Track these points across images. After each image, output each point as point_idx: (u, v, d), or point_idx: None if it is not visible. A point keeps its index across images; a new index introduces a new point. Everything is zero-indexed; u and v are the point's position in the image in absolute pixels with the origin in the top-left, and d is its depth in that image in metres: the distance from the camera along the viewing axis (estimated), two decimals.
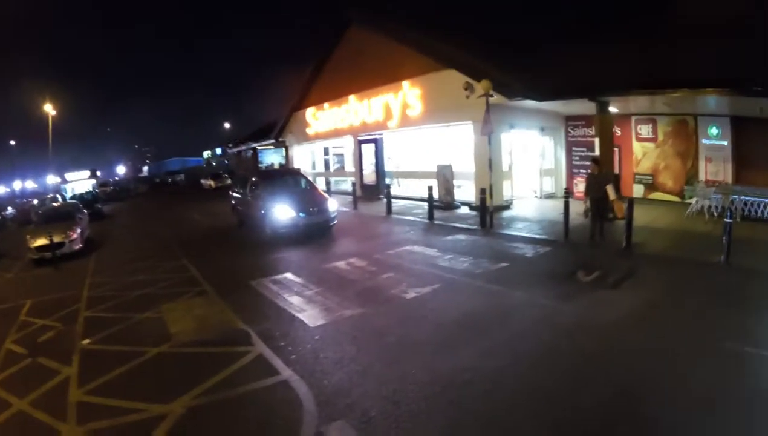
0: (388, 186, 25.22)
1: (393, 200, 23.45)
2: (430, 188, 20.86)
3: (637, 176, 21.59)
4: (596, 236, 14.04)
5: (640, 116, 21.07)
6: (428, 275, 12.03)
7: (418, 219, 20.67)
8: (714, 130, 18.46)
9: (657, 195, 20.76)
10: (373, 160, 29.71)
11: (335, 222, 19.01)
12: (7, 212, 45.39)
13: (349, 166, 33.53)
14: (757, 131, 17.16)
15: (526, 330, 8.38)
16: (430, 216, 20.24)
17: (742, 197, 15.57)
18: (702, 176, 18.90)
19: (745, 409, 5.62)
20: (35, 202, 44.14)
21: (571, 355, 7.39)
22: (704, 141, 18.89)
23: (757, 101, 14.25)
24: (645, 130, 21.04)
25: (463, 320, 8.98)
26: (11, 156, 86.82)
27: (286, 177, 22.11)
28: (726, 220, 11.14)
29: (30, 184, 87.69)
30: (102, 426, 6.26)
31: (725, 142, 18.14)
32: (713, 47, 15.03)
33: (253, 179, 20.99)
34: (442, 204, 22.60)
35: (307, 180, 21.58)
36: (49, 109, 50.33)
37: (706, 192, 16.69)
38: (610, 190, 13.45)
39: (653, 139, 20.81)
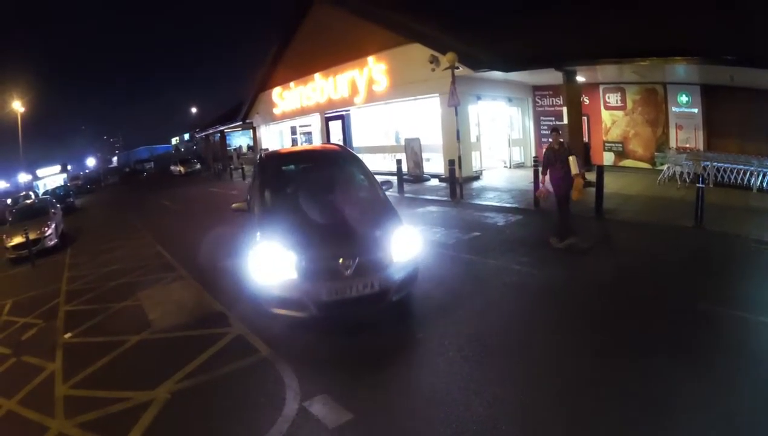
0: None
1: None
2: (398, 162, 21.07)
3: (607, 144, 21.77)
4: (565, 232, 11.28)
5: (608, 85, 21.19)
6: None
7: (389, 192, 20.34)
8: (684, 98, 18.66)
9: (628, 162, 20.98)
10: (341, 137, 29.79)
11: (405, 291, 8.16)
12: None
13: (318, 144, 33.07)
14: (728, 99, 17.35)
15: (500, 297, 8.66)
16: (400, 189, 20.33)
17: (714, 164, 15.78)
18: (673, 143, 19.09)
19: (713, 365, 5.87)
20: (8, 201, 43.56)
21: (543, 317, 7.77)
22: (674, 109, 19.09)
23: (727, 70, 14.38)
24: (614, 98, 21.20)
25: (436, 290, 9.19)
26: None
27: (317, 160, 10.93)
28: (698, 185, 11.39)
29: (1, 184, 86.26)
30: (90, 418, 6.33)
31: (696, 110, 18.34)
32: (685, 18, 15.19)
33: (259, 162, 10.27)
34: (411, 177, 22.79)
35: (362, 169, 10.08)
36: (18, 106, 49.57)
37: (677, 158, 16.89)
38: (572, 162, 10.87)
39: (622, 108, 21.00)
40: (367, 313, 7.79)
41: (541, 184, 12.07)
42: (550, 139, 11.75)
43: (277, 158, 10.83)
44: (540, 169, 12.35)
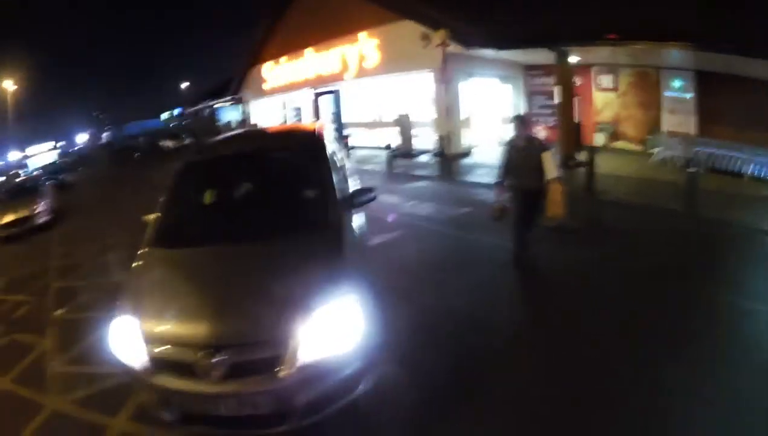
0: (347, 136, 25.31)
1: (352, 150, 23.68)
2: (389, 137, 21.27)
3: (598, 125, 21.71)
4: (522, 254, 8.72)
5: (601, 66, 21.13)
6: (390, 222, 12.28)
7: (378, 168, 20.86)
8: (677, 83, 18.58)
9: (620, 144, 20.91)
10: (331, 112, 29.71)
11: (329, 408, 4.65)
12: None
13: (307, 120, 33.07)
14: (722, 87, 17.17)
15: (489, 274, 8.68)
16: (391, 164, 20.31)
17: (706, 149, 15.74)
18: (665, 127, 19.06)
19: (694, 344, 5.95)
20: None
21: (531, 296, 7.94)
22: (667, 93, 19.01)
23: (722, 57, 14.23)
24: (606, 80, 21.14)
25: (426, 266, 9.25)
26: None
27: (265, 156, 7.31)
28: (689, 170, 11.35)
29: None
30: (83, 394, 6.39)
31: (689, 96, 18.23)
32: (683, 2, 15.01)
33: (175, 173, 6.97)
34: (402, 153, 22.70)
35: (323, 179, 6.21)
36: (8, 85, 49.22)
37: (669, 143, 16.92)
38: (548, 161, 7.77)
39: (615, 90, 20.93)
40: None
41: (495, 196, 8.78)
42: (513, 133, 8.39)
43: (199, 170, 7.19)
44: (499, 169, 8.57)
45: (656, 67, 19.11)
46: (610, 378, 5.46)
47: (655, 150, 17.50)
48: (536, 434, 4.83)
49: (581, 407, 5.04)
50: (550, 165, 7.75)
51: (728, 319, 6.55)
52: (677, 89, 18.58)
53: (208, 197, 7.19)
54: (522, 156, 8.03)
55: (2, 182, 36.77)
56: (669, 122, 19.02)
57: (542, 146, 8.01)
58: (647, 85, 19.70)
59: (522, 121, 8.29)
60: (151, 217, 6.46)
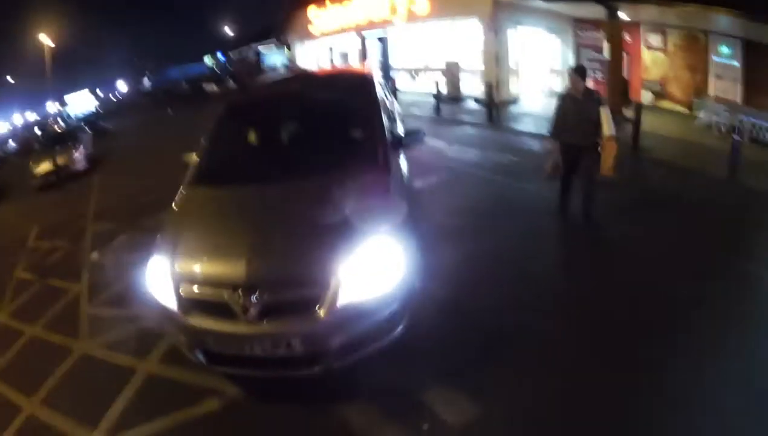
0: (394, 81, 24.71)
1: (401, 94, 22.92)
2: (437, 83, 20.64)
3: (646, 83, 20.92)
4: (568, 206, 8.27)
5: (650, 25, 20.27)
6: (436, 166, 11.87)
7: (426, 112, 20.41)
8: (725, 50, 17.67)
9: (666, 104, 20.10)
10: (379, 57, 29.03)
11: (363, 351, 4.41)
12: (8, 146, 44.91)
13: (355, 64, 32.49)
14: None
15: (529, 222, 8.33)
16: (438, 109, 19.97)
17: (751, 119, 14.97)
18: (711, 92, 18.18)
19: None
20: (36, 129, 43.69)
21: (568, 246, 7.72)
22: (714, 58, 18.08)
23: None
24: (655, 39, 20.30)
25: (470, 211, 8.99)
26: (9, 92, 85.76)
27: (308, 105, 6.51)
28: (734, 137, 10.74)
29: (30, 116, 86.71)
30: (113, 338, 6.34)
31: (736, 63, 17.28)
32: None
33: (222, 110, 6.85)
34: (449, 98, 22.26)
35: (374, 120, 5.86)
36: (45, 38, 49.53)
37: (715, 108, 16.27)
38: (605, 118, 7.27)
39: (663, 50, 20.09)
40: (286, 378, 4.72)
41: (550, 150, 8.13)
42: (567, 84, 7.93)
43: (244, 111, 7.05)
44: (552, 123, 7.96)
45: (705, 31, 18.19)
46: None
47: (701, 114, 16.84)
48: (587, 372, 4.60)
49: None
50: (608, 121, 7.25)
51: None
52: (725, 55, 17.65)
53: (252, 137, 6.88)
54: (579, 109, 7.43)
55: (40, 132, 37.30)
56: (715, 87, 18.13)
57: (600, 101, 7.43)
58: (695, 48, 18.82)
59: (580, 73, 7.63)
60: (193, 156, 6.31)
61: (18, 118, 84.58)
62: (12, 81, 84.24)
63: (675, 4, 14.78)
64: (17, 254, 11.06)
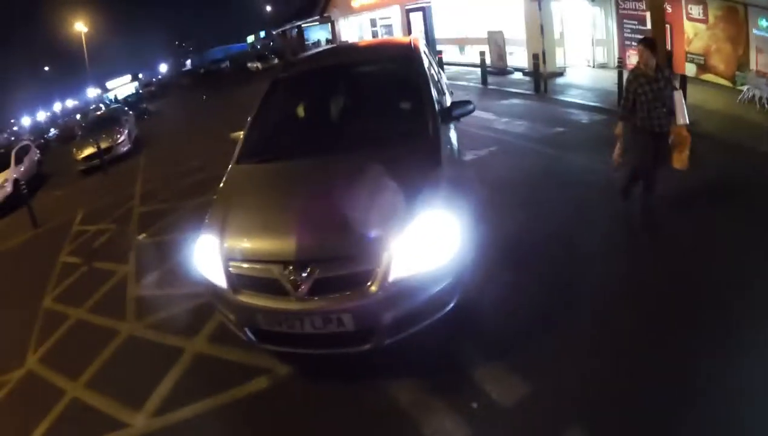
0: (440, 52, 24.20)
1: (446, 66, 22.61)
2: (482, 54, 20.35)
3: (689, 55, 20.23)
4: (632, 189, 7.25)
5: None
6: (485, 138, 11.76)
7: (471, 84, 20.18)
8: (765, 23, 16.92)
9: (708, 77, 19.41)
10: (422, 29, 28.57)
11: (416, 326, 4.30)
12: (50, 134, 45.78)
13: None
14: None
15: (581, 194, 8.00)
16: (484, 81, 19.72)
17: None
18: (753, 66, 17.39)
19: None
20: (78, 117, 44.39)
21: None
22: (755, 31, 17.33)
23: None
24: (696, 10, 19.59)
25: (520, 184, 8.74)
26: (48, 81, 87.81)
27: (356, 74, 6.94)
28: None
29: (70, 103, 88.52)
30: (160, 318, 6.39)
31: None
32: None
33: (270, 84, 6.74)
34: (495, 70, 21.91)
35: (423, 90, 5.77)
36: (81, 27, 50.25)
37: (758, 81, 15.65)
38: (679, 102, 6.48)
39: (704, 21, 19.42)
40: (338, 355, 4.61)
41: (616, 138, 7.11)
42: (636, 60, 6.97)
43: (290, 86, 6.85)
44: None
45: (744, 2, 17.44)
46: None
47: (744, 87, 16.13)
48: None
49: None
50: (682, 107, 6.45)
51: None
52: (764, 28, 16.96)
53: (298, 112, 6.89)
54: (651, 90, 6.43)
55: (82, 118, 37.96)
56: (757, 61, 17.34)
57: (672, 81, 6.67)
58: (735, 21, 18.11)
59: (650, 47, 6.55)
60: (240, 133, 6.20)
61: (58, 107, 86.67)
62: (47, 69, 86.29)
63: None
64: (62, 239, 11.21)
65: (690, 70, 19.37)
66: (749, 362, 3.95)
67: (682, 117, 6.42)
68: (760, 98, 14.80)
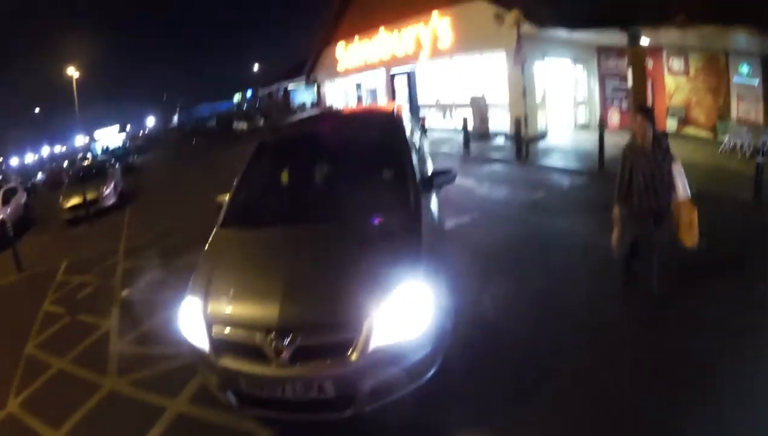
0: (423, 118, 24.74)
1: (429, 131, 22.87)
2: (465, 120, 20.75)
3: (670, 110, 20.67)
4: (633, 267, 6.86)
5: (672, 49, 20.14)
6: (468, 205, 11.90)
7: (453, 150, 20.55)
8: (744, 69, 17.52)
9: (690, 130, 19.90)
10: (407, 93, 29.25)
11: (393, 395, 4.45)
12: (37, 179, 45.82)
13: (382, 101, 32.67)
14: None
15: (564, 259, 8.24)
16: (466, 146, 20.09)
17: None
18: (734, 114, 17.99)
19: None
20: (65, 164, 44.50)
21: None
22: (736, 79, 17.91)
23: None
24: (677, 63, 20.16)
25: (500, 252, 8.87)
26: (37, 123, 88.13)
27: (336, 145, 6.63)
28: (758, 159, 10.67)
29: (58, 149, 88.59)
30: (143, 376, 6.34)
31: (756, 82, 17.05)
32: None
33: (255, 149, 7.03)
34: (477, 134, 22.36)
35: (402, 160, 5.99)
36: (72, 72, 50.76)
37: (738, 130, 16.12)
38: (679, 174, 6.02)
39: (685, 73, 19.95)
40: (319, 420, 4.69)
41: (614, 219, 6.47)
42: (637, 130, 6.15)
43: (275, 151, 7.13)
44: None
45: (724, 51, 18.07)
46: None
47: (725, 137, 16.62)
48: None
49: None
50: (683, 180, 6.01)
51: None
52: (745, 75, 17.49)
53: (283, 177, 6.99)
54: (649, 165, 6.02)
55: (69, 166, 38.06)
56: (738, 109, 17.91)
57: (670, 152, 6.07)
58: (716, 70, 18.66)
59: (649, 116, 6.08)
60: (225, 197, 6.30)
61: (46, 150, 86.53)
62: (37, 111, 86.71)
63: (695, 24, 14.77)
64: (46, 288, 11.19)
65: (671, 125, 19.74)
66: None
67: (684, 191, 6.02)
68: (741, 146, 15.16)
